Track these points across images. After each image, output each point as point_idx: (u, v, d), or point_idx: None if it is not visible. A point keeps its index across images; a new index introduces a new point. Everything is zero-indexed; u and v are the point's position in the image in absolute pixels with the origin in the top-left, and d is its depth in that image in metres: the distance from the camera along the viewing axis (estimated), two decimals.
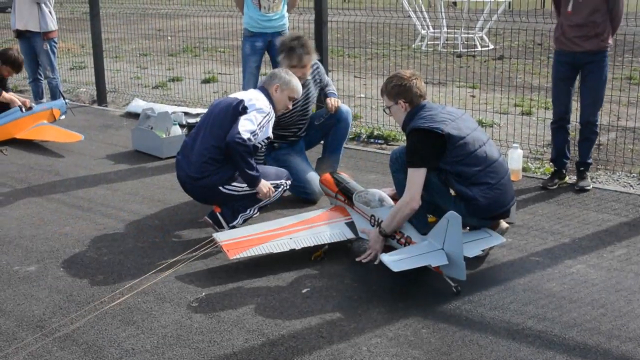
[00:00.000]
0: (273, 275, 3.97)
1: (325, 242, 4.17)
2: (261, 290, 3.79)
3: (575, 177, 5.44)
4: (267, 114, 4.46)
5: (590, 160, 5.38)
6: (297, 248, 4.07)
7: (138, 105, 8.23)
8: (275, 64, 6.46)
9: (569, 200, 5.12)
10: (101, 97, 8.97)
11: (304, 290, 3.78)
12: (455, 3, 4.18)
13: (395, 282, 3.83)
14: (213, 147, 4.38)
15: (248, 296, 3.73)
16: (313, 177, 5.11)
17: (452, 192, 4.09)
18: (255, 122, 4.36)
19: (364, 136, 6.97)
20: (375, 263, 3.92)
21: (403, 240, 3.95)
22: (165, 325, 3.42)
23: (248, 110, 4.38)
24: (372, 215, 4.20)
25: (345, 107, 5.33)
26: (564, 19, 5.14)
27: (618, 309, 3.52)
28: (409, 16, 13.33)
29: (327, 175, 4.76)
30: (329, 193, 4.68)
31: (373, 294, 3.75)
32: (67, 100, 7.54)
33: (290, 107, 4.76)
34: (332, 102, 5.22)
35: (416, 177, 3.91)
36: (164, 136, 6.39)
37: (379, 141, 6.90)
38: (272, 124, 4.52)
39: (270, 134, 4.55)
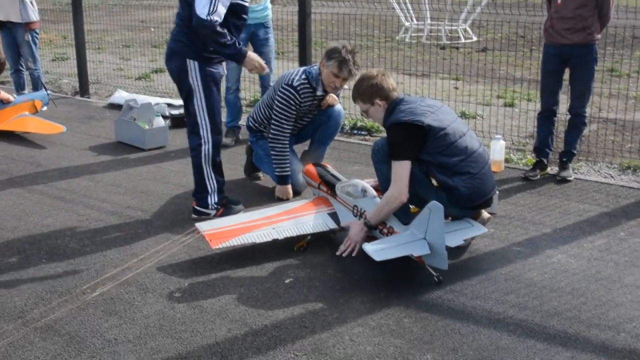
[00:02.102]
0: (256, 265, 3.98)
1: (308, 232, 4.18)
2: (244, 281, 3.79)
3: (557, 168, 5.48)
4: None
5: (575, 151, 5.42)
6: (279, 238, 4.08)
7: (121, 96, 8.19)
8: (258, 55, 6.43)
9: (550, 191, 5.16)
10: (84, 89, 8.92)
11: (287, 281, 3.79)
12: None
13: (377, 272, 3.84)
14: (177, 17, 4.47)
15: (231, 286, 3.73)
16: (298, 168, 5.11)
17: (434, 182, 4.11)
18: None
19: (347, 127, 6.98)
20: (354, 255, 3.92)
21: (385, 231, 3.96)
22: (148, 316, 3.42)
23: None
24: (355, 206, 4.20)
25: (338, 107, 5.30)
26: (554, 12, 5.18)
27: (598, 298, 3.56)
28: (393, 8, 13.36)
29: (310, 166, 4.76)
30: (311, 184, 4.69)
31: (355, 284, 3.76)
32: (49, 92, 7.48)
33: None
34: (328, 98, 5.17)
35: (401, 170, 3.92)
36: (147, 127, 6.36)
37: (362, 132, 6.91)
38: None
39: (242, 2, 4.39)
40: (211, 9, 4.17)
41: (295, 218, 4.28)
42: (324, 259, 4.06)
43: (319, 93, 4.99)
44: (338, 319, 3.38)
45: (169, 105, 7.28)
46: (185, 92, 4.52)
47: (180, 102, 7.40)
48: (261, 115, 5.21)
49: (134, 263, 4.00)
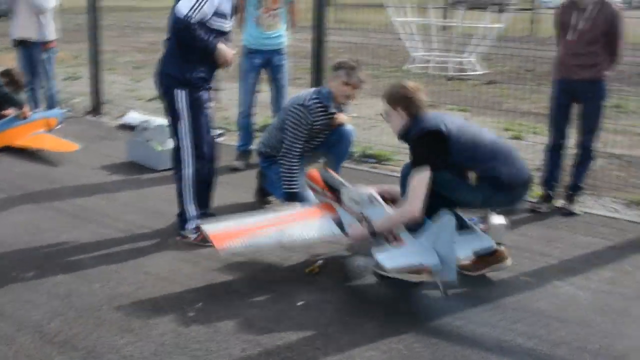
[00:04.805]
0: (268, 288, 4.04)
1: (314, 237, 4.23)
2: (257, 302, 3.86)
3: (563, 201, 5.56)
4: None
5: (582, 185, 5.50)
6: (285, 243, 4.14)
7: (133, 117, 8.30)
8: (273, 81, 6.57)
9: (557, 224, 5.24)
10: (96, 108, 9.03)
11: (298, 303, 3.86)
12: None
13: (387, 298, 3.93)
14: (168, 31, 4.53)
15: (244, 307, 3.80)
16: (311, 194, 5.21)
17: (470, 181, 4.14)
18: None
19: (356, 155, 7.07)
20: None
21: (392, 238, 4.02)
22: (163, 334, 3.49)
23: None
24: (361, 213, 4.25)
25: (349, 126, 5.40)
26: (565, 47, 5.30)
27: (604, 330, 3.63)
28: (399, 39, 13.51)
29: (314, 171, 4.83)
30: (314, 188, 4.74)
31: (366, 308, 3.83)
32: (64, 110, 7.59)
33: None
34: (338, 117, 5.28)
35: (419, 183, 3.96)
36: (160, 148, 6.46)
37: (371, 160, 7.00)
38: (218, 2, 4.42)
39: (225, 12, 4.51)
40: (191, 13, 4.30)
41: (301, 222, 4.32)
42: (335, 284, 4.13)
43: (331, 110, 5.10)
44: (350, 342, 3.44)
45: None
46: (171, 116, 4.64)
47: None
48: (273, 139, 5.30)
49: (149, 282, 4.07)
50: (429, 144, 4.07)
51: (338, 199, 4.46)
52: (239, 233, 4.11)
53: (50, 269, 4.23)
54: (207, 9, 4.36)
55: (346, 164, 6.67)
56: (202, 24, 4.38)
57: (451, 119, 4.22)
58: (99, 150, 7.19)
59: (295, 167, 5.09)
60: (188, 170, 4.64)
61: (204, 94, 4.62)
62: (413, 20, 14.04)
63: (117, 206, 5.44)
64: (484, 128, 4.32)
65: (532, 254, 4.62)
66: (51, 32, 7.87)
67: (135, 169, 6.49)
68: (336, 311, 3.78)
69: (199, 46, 4.43)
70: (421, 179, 3.97)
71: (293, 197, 5.09)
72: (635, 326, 3.67)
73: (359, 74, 4.98)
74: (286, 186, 5.10)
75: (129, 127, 8.02)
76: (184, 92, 4.50)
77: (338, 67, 5.05)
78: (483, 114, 8.60)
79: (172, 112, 4.59)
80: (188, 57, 4.46)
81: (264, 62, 6.43)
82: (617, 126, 7.70)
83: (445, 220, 3.68)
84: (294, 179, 5.08)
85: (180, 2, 4.33)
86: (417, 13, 14.56)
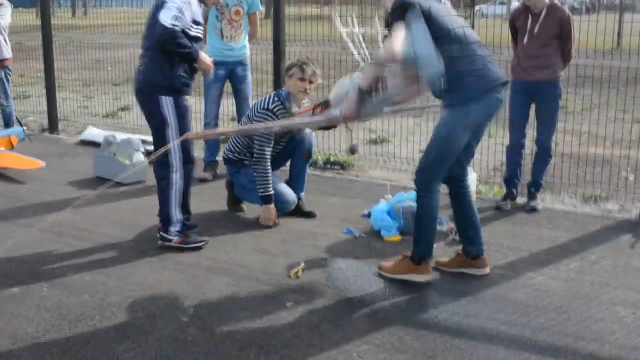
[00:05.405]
0: (255, 291, 4.15)
1: (309, 122, 4.69)
2: (247, 305, 3.95)
3: (525, 199, 5.81)
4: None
5: (542, 181, 5.76)
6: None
7: (92, 133, 8.29)
8: (237, 92, 6.68)
9: (521, 220, 5.48)
10: (53, 126, 8.97)
11: (288, 304, 3.97)
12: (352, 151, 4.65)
13: (374, 296, 4.07)
14: (146, 41, 4.67)
15: (235, 310, 3.89)
16: (284, 188, 5.42)
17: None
18: (174, 7, 4.47)
19: (320, 162, 7.21)
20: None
21: (380, 87, 4.15)
22: (161, 339, 3.55)
23: (165, 2, 4.52)
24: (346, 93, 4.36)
25: (307, 131, 5.55)
26: (520, 50, 5.57)
27: (580, 314, 3.85)
28: (346, 48, 13.68)
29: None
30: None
31: (354, 306, 3.96)
32: (24, 128, 7.54)
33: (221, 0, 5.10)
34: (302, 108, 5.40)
35: (396, 35, 3.92)
36: (127, 162, 6.48)
37: (336, 167, 7.16)
38: (195, 10, 4.59)
39: (199, 19, 4.67)
40: (175, 22, 4.45)
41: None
42: (320, 284, 4.25)
43: (293, 110, 5.29)
44: (343, 338, 3.57)
45: (143, 141, 7.40)
46: (157, 124, 4.72)
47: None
48: (239, 145, 5.45)
49: (136, 291, 4.12)
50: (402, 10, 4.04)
51: (328, 104, 4.61)
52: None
53: (35, 284, 4.24)
54: (188, 18, 4.53)
55: (311, 170, 6.83)
56: (184, 32, 4.52)
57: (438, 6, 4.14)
58: (63, 167, 7.16)
59: (268, 171, 5.26)
60: (177, 174, 4.74)
61: (187, 100, 4.76)
62: (359, 31, 14.26)
63: (90, 220, 5.45)
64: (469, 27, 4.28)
65: (502, 249, 4.83)
66: (6, 49, 7.81)
67: (101, 184, 6.47)
68: (325, 310, 3.90)
69: (184, 54, 4.57)
70: (397, 33, 3.94)
71: (269, 199, 5.25)
72: (607, 310, 3.90)
73: (312, 67, 5.26)
74: (262, 190, 5.25)
75: (89, 143, 8.01)
76: (169, 98, 4.63)
77: (290, 66, 5.33)
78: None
79: (158, 119, 4.67)
80: (172, 64, 4.59)
81: (227, 73, 6.53)
82: (565, 125, 8.05)
83: None
84: (268, 181, 5.25)
85: (161, 14, 4.46)
86: (362, 23, 14.79)
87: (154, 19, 4.53)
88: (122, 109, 10.25)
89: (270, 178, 5.28)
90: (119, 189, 6.32)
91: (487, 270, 4.40)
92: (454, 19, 4.15)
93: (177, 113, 4.65)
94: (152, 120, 4.73)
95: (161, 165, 4.73)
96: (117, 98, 11.07)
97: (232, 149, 5.50)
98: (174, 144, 4.62)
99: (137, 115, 9.36)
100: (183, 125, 4.68)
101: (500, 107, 4.14)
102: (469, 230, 4.39)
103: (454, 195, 4.39)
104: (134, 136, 7.58)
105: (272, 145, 5.28)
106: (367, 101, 4.25)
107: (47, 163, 7.03)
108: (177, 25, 4.45)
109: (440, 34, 3.99)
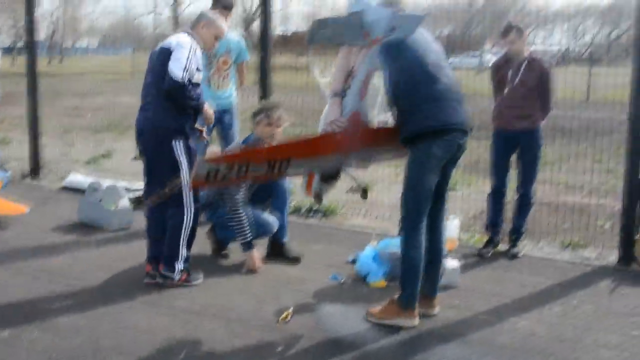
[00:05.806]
0: (246, 336, 4.20)
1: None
2: (239, 350, 4.01)
3: (506, 246, 5.95)
4: (190, 48, 4.75)
5: (523, 229, 5.91)
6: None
7: (74, 179, 8.32)
8: (224, 139, 6.78)
9: (503, 266, 5.61)
10: (35, 171, 8.98)
11: (279, 349, 4.03)
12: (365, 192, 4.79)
13: (366, 337, 4.16)
14: (152, 87, 4.83)
15: (228, 355, 3.94)
16: (263, 215, 5.54)
17: None
18: (182, 58, 4.67)
19: (303, 210, 7.31)
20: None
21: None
22: None
23: (173, 52, 4.71)
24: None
25: (280, 181, 5.66)
26: (501, 101, 5.77)
27: (565, 357, 3.96)
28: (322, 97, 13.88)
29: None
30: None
31: (343, 351, 4.03)
32: (8, 173, 7.55)
33: (217, 46, 5.28)
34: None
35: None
36: (113, 208, 6.53)
37: (318, 214, 7.25)
38: (199, 58, 4.82)
39: (201, 67, 4.87)
40: (184, 74, 4.66)
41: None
42: (309, 328, 4.31)
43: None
44: None
45: (127, 189, 7.44)
46: (169, 167, 4.85)
47: (137, 185, 7.63)
48: (212, 190, 5.54)
49: (129, 335, 4.16)
50: None
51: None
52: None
53: (27, 328, 4.25)
54: (194, 66, 4.74)
55: (294, 218, 6.92)
56: (190, 81, 4.72)
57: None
58: (46, 213, 7.17)
59: (243, 218, 5.33)
60: (190, 215, 4.94)
61: (193, 143, 4.96)
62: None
63: (78, 265, 5.46)
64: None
65: (485, 295, 4.95)
66: None
67: (86, 230, 6.51)
68: (315, 354, 3.97)
69: (192, 105, 4.81)
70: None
71: (250, 246, 5.37)
72: (592, 352, 4.03)
73: (278, 112, 5.39)
74: (241, 238, 5.34)
75: (72, 189, 8.04)
76: (181, 141, 4.83)
77: (257, 112, 5.46)
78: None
79: (171, 163, 4.84)
80: (181, 109, 4.79)
81: (215, 121, 6.62)
82: (543, 175, 8.28)
83: None
84: (245, 229, 5.33)
85: (172, 65, 4.66)
86: None
87: (161, 67, 4.71)
88: (104, 156, 10.30)
89: (247, 225, 5.34)
90: (105, 235, 6.35)
91: (437, 310, 4.53)
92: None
93: (188, 155, 4.86)
94: (163, 163, 4.87)
95: (177, 206, 4.90)
96: (99, 145, 11.14)
97: (207, 193, 5.58)
98: (184, 184, 4.81)
99: (119, 162, 9.45)
100: (192, 166, 4.84)
101: (460, 153, 4.36)
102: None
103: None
104: (118, 184, 7.64)
105: (243, 192, 5.38)
106: (345, 96, 4.39)
107: (30, 209, 7.04)
108: (185, 78, 4.65)
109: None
